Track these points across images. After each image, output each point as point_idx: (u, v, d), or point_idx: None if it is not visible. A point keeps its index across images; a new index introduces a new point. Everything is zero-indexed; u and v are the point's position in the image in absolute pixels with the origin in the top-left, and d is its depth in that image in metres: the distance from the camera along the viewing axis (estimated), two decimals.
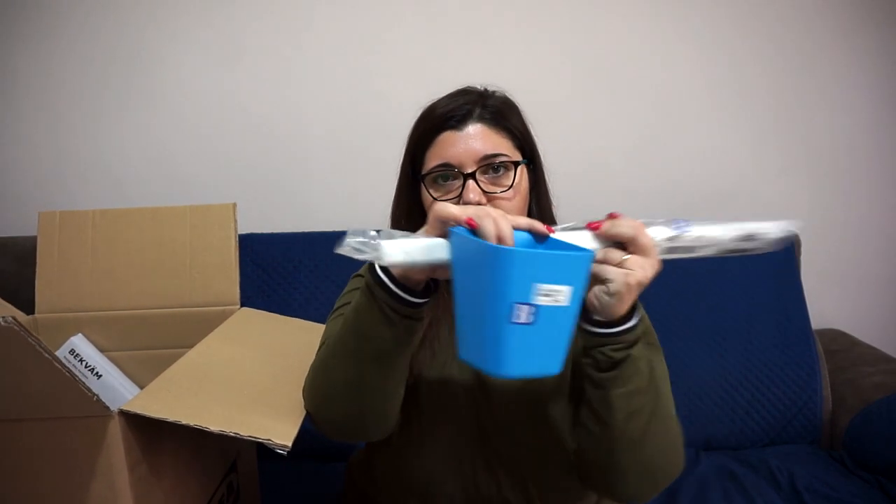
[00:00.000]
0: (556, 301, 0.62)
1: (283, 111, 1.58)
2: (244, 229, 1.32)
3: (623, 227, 0.67)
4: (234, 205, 1.24)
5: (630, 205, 1.66)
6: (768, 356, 1.46)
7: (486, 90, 0.86)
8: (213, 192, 1.58)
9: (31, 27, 1.51)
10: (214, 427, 0.70)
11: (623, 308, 0.68)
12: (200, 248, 1.21)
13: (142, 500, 0.75)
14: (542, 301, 0.61)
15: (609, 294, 0.66)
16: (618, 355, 0.70)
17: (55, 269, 1.20)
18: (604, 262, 0.67)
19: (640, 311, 0.72)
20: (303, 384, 0.81)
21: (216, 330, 1.04)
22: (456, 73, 1.56)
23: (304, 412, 0.79)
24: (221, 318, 1.13)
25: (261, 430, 0.71)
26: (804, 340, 1.50)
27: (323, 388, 0.77)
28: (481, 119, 0.80)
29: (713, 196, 1.70)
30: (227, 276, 1.20)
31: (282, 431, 0.73)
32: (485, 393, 0.84)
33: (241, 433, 0.70)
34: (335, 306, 0.91)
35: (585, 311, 0.69)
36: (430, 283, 0.72)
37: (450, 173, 0.79)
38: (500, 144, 0.80)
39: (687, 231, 0.70)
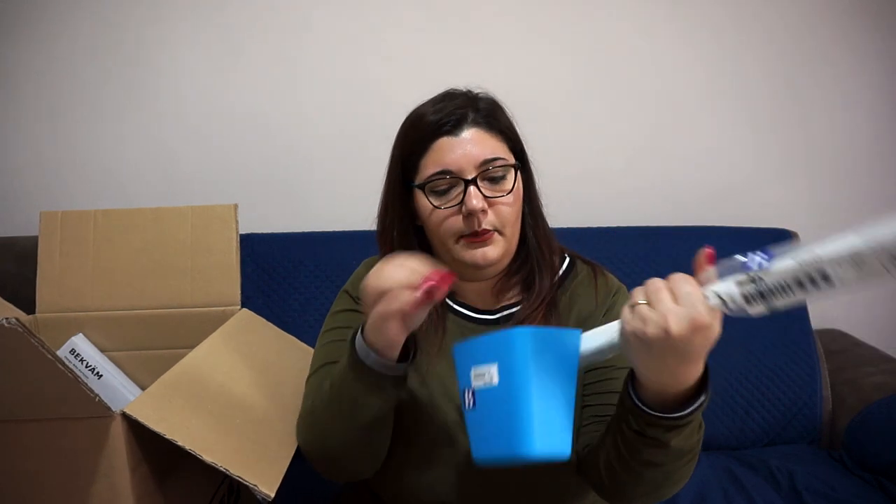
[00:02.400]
0: (487, 382, 0.61)
1: (284, 111, 1.58)
2: (244, 229, 1.32)
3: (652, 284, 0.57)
4: (236, 205, 1.24)
5: (630, 205, 1.67)
6: (768, 356, 1.46)
7: (470, 91, 0.84)
8: (213, 192, 1.58)
9: (31, 27, 1.51)
10: (208, 458, 0.71)
11: (662, 378, 0.58)
12: (201, 249, 1.21)
13: (143, 501, 0.76)
14: (475, 384, 0.63)
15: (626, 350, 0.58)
16: (662, 437, 0.62)
17: (56, 269, 1.20)
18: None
19: (704, 396, 0.61)
20: (294, 419, 0.85)
21: (217, 332, 1.04)
22: (456, 74, 1.57)
23: (291, 452, 0.83)
24: (222, 318, 1.13)
25: (249, 472, 0.73)
26: (804, 340, 1.50)
27: (317, 442, 0.80)
28: (476, 123, 0.79)
29: (713, 196, 1.70)
30: (228, 277, 1.20)
31: (268, 476, 0.76)
32: None
33: (231, 471, 0.72)
34: (325, 327, 0.92)
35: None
36: (409, 343, 0.73)
37: (450, 180, 0.79)
38: (496, 148, 0.80)
39: (769, 261, 0.53)
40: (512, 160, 0.81)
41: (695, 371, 0.58)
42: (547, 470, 0.74)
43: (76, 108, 1.55)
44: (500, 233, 0.81)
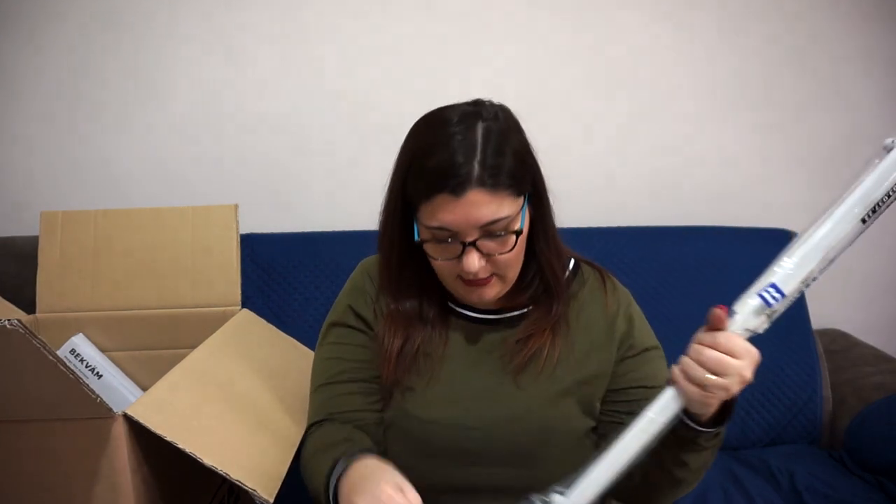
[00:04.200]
0: None
1: (285, 112, 1.58)
2: (244, 229, 1.32)
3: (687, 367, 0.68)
4: (236, 206, 1.24)
5: (630, 205, 1.67)
6: (768, 356, 1.45)
7: (482, 113, 0.77)
8: (213, 192, 1.58)
9: (31, 27, 1.51)
10: (208, 461, 0.72)
11: (709, 410, 0.70)
12: (202, 250, 1.21)
13: (143, 502, 0.76)
14: None
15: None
16: (706, 444, 0.74)
17: (56, 269, 1.20)
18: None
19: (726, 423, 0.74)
20: (293, 421, 0.90)
21: (217, 333, 1.04)
22: (456, 74, 1.59)
23: (290, 456, 0.84)
24: (222, 319, 1.13)
25: (248, 476, 0.74)
26: (804, 340, 1.50)
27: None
28: (480, 183, 0.73)
29: (713, 196, 1.70)
30: (228, 278, 1.21)
31: (267, 481, 0.76)
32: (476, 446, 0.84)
33: (231, 475, 0.72)
34: (321, 337, 0.93)
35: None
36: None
37: (448, 236, 0.76)
38: (501, 207, 0.75)
39: (783, 293, 0.66)
40: (516, 211, 0.77)
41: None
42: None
43: (76, 109, 1.55)
44: (500, 276, 0.81)
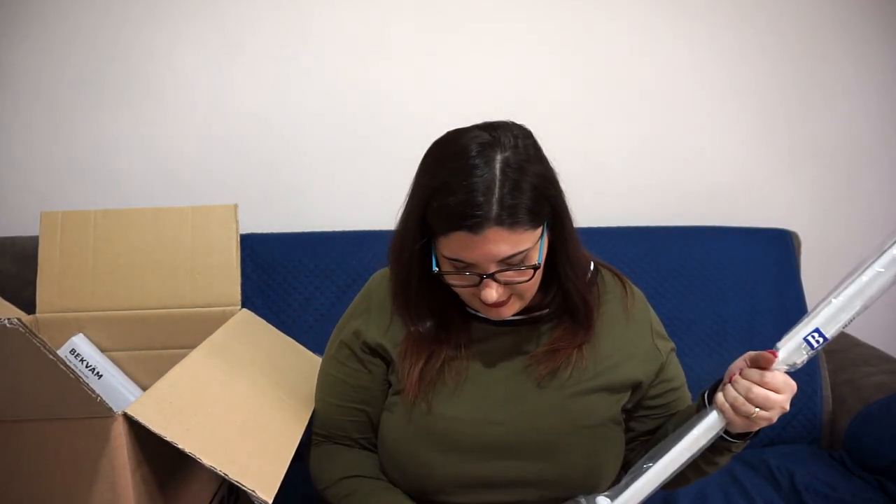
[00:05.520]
0: None
1: (285, 111, 1.58)
2: (244, 229, 1.32)
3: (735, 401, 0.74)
4: (236, 206, 1.24)
5: (630, 204, 1.67)
6: None
7: (501, 156, 0.75)
8: (213, 191, 1.58)
9: (30, 26, 1.51)
10: (207, 461, 0.72)
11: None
12: (201, 249, 1.21)
13: (143, 502, 0.76)
14: None
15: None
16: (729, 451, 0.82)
17: (56, 269, 1.20)
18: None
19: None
20: (292, 421, 0.91)
21: (217, 332, 1.04)
22: (456, 74, 1.59)
23: (289, 456, 0.85)
24: (222, 319, 1.13)
25: (247, 476, 0.74)
26: None
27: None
28: (499, 223, 0.73)
29: (713, 196, 1.70)
30: (228, 278, 1.20)
31: (266, 481, 0.76)
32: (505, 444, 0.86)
33: (230, 475, 0.72)
34: (331, 348, 0.95)
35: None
36: None
37: (467, 270, 0.77)
38: (520, 241, 0.75)
39: (825, 338, 0.73)
40: (534, 242, 0.77)
41: None
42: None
43: (76, 108, 1.55)
44: (519, 296, 0.82)
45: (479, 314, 0.88)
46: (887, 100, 1.69)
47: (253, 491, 0.73)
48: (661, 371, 0.91)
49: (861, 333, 1.64)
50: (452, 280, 0.80)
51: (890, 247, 0.72)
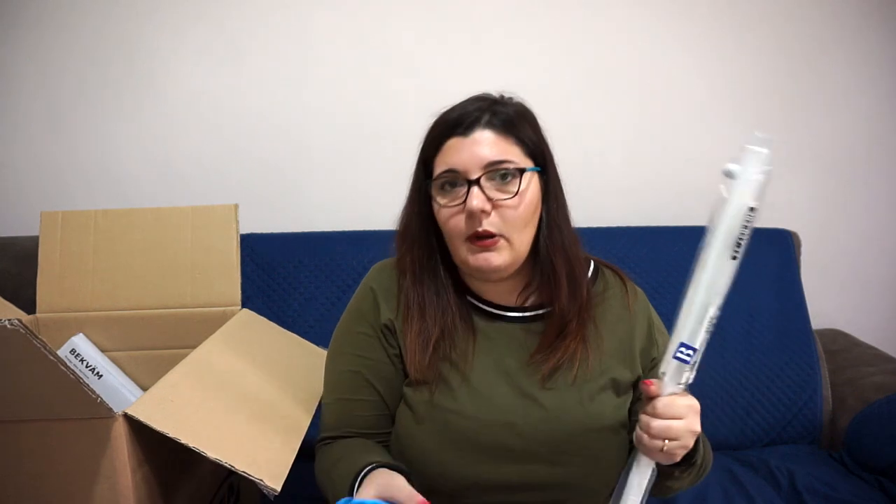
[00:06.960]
0: None
1: (285, 111, 1.58)
2: (244, 229, 1.31)
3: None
4: (236, 206, 1.23)
5: (630, 205, 1.67)
6: (768, 356, 1.46)
7: (501, 97, 0.85)
8: (214, 191, 1.58)
9: (31, 27, 1.51)
10: (212, 454, 0.71)
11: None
12: (202, 249, 1.21)
13: (144, 502, 0.76)
14: None
15: None
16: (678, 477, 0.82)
17: (57, 269, 1.20)
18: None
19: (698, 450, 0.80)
20: (297, 415, 0.89)
21: (218, 332, 1.04)
22: (456, 73, 1.59)
23: (295, 448, 0.83)
24: (222, 318, 1.13)
25: (254, 467, 0.73)
26: (804, 340, 1.50)
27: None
28: (489, 125, 0.79)
29: (712, 196, 1.69)
30: (229, 278, 1.20)
31: (273, 471, 0.75)
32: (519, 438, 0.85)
33: (236, 466, 0.72)
34: (338, 344, 0.93)
35: None
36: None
37: (455, 179, 0.79)
38: (507, 151, 0.80)
39: (695, 350, 0.70)
40: (522, 164, 0.80)
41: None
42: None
43: (76, 109, 1.55)
44: (507, 239, 0.80)
45: (480, 306, 0.88)
46: (887, 100, 1.69)
47: (261, 480, 0.72)
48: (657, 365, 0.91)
49: (861, 333, 1.64)
50: (441, 198, 0.81)
51: (712, 238, 0.73)
